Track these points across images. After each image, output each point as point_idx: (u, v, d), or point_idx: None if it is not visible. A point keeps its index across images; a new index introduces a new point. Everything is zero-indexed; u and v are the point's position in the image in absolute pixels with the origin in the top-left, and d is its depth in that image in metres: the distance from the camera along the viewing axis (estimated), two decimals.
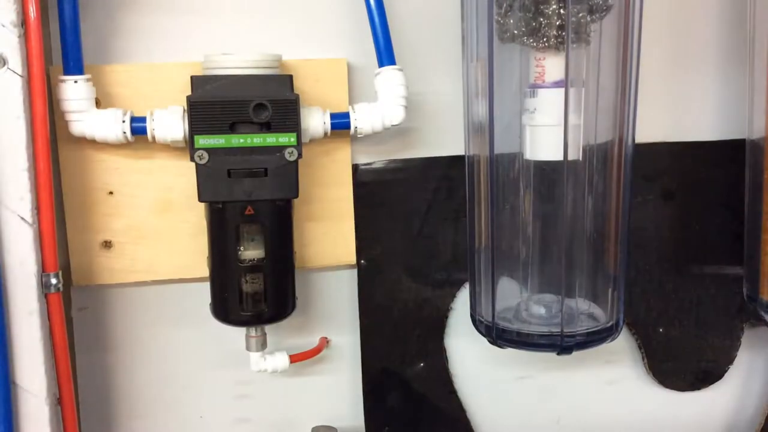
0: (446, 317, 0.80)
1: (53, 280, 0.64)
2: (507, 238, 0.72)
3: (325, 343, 0.79)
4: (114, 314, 0.75)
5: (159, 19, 0.70)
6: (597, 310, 0.72)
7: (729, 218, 0.80)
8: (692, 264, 0.82)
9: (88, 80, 0.66)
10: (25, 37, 0.61)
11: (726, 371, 0.85)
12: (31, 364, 0.63)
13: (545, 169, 0.69)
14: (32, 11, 0.60)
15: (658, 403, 0.86)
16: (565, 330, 0.69)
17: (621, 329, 0.72)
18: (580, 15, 0.64)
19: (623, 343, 0.84)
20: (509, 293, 0.74)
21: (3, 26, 0.60)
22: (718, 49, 0.80)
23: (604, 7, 0.65)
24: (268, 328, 0.72)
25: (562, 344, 0.69)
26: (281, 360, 0.74)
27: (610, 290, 0.72)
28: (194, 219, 0.72)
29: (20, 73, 0.60)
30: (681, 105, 0.80)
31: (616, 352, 0.84)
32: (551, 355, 0.72)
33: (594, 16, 0.65)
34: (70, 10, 0.64)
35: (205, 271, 0.70)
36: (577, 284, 0.72)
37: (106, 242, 0.72)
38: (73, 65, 0.65)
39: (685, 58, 0.79)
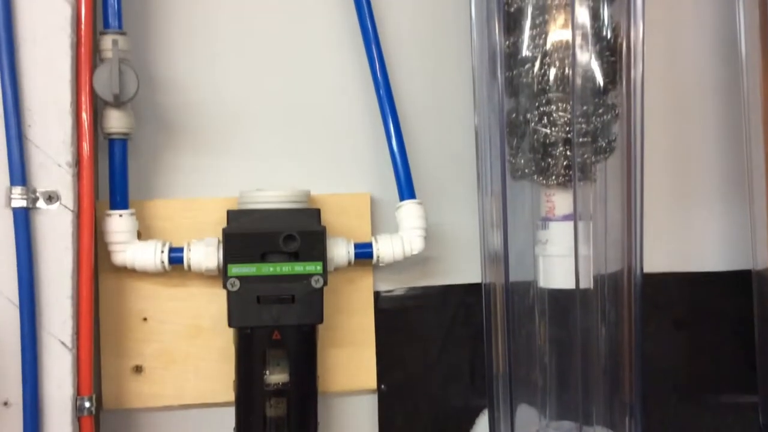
0: None
1: (86, 404, 0.66)
2: (524, 364, 0.74)
3: None
4: None
5: (198, 159, 0.76)
6: None
7: (741, 347, 0.82)
8: (707, 393, 0.82)
9: (132, 214, 0.71)
10: (78, 176, 0.66)
11: None
12: None
13: (559, 297, 0.72)
14: (86, 152, 0.66)
15: None
16: None
17: None
18: (585, 156, 0.69)
19: None
20: (528, 420, 0.74)
21: (59, 166, 0.65)
22: (719, 183, 0.84)
23: (608, 149, 0.70)
24: None
25: None
26: None
27: (627, 418, 0.72)
28: (221, 344, 0.75)
29: (71, 208, 0.66)
30: (686, 236, 0.84)
31: None
32: None
33: (598, 157, 0.70)
34: (119, 153, 0.70)
35: (230, 396, 0.72)
36: (595, 411, 0.73)
37: (137, 367, 0.74)
38: (120, 201, 0.70)
39: (686, 191, 0.84)
